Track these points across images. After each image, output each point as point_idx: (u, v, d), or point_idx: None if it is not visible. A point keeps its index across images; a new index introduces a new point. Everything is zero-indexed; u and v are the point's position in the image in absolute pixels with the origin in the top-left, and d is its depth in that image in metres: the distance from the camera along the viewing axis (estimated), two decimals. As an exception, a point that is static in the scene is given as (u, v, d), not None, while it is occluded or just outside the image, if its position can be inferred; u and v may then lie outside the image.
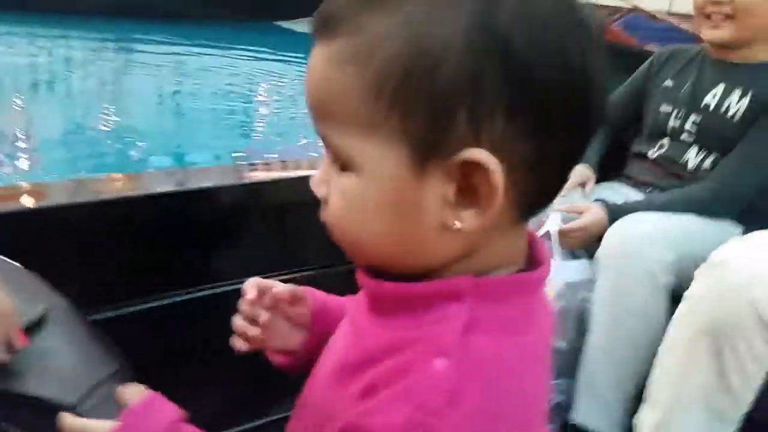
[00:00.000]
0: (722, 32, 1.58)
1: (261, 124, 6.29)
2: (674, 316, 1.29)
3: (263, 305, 0.69)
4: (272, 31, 9.73)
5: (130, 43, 8.37)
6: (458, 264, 0.48)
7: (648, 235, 1.40)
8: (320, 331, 0.68)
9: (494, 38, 0.41)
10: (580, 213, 1.53)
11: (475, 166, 0.43)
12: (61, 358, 0.85)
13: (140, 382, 0.63)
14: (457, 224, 0.45)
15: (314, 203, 0.51)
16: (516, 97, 0.42)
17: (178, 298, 1.34)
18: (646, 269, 1.38)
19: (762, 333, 1.16)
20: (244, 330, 0.69)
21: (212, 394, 1.40)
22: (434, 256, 0.48)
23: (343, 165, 0.46)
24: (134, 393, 0.61)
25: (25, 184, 1.31)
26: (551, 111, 0.43)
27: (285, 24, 9.69)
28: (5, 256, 0.98)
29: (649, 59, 1.82)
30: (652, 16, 6.82)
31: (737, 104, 1.57)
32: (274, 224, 1.47)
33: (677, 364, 1.26)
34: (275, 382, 1.44)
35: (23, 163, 4.53)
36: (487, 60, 0.41)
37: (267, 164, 1.89)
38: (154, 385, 0.62)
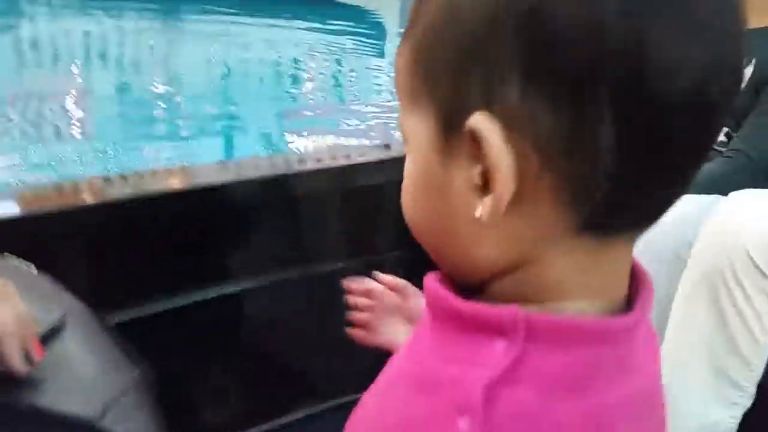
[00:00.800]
0: None
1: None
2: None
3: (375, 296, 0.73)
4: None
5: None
6: (509, 280, 0.41)
7: (670, 218, 1.38)
8: None
9: (529, 6, 0.35)
10: None
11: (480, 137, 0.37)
12: (80, 368, 0.85)
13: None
14: (477, 213, 0.38)
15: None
16: (536, 66, 0.35)
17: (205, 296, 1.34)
18: (672, 250, 1.36)
19: (754, 277, 1.19)
20: (360, 319, 0.73)
21: (237, 392, 1.40)
22: (473, 257, 0.41)
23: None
24: None
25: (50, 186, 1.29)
26: (584, 81, 0.35)
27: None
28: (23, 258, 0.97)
29: None
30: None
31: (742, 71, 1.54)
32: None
33: (679, 316, 1.27)
34: (298, 379, 1.45)
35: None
36: (514, 26, 0.35)
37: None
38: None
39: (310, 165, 1.42)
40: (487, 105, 0.36)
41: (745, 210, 1.26)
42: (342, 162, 1.48)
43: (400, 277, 0.78)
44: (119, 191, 1.22)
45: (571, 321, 0.39)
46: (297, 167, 1.41)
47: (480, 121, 0.36)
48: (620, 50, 0.34)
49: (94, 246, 1.20)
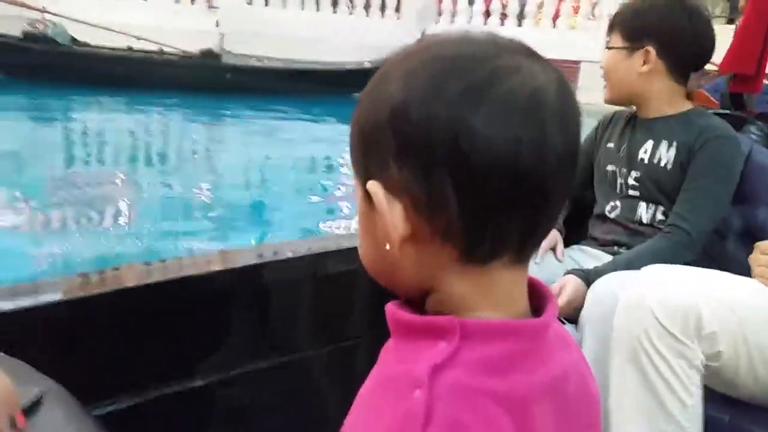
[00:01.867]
0: (604, 95, 1.81)
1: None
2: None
3: None
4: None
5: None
6: (434, 298, 0.57)
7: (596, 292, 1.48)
8: None
9: (392, 109, 0.54)
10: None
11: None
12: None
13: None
14: (387, 247, 0.55)
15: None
16: (401, 150, 0.53)
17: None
18: (602, 321, 1.42)
19: (668, 342, 1.25)
20: None
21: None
22: (400, 280, 0.58)
23: None
24: None
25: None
26: (428, 161, 0.52)
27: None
28: None
29: (595, 125, 1.95)
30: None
31: (667, 154, 1.71)
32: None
33: (614, 397, 1.32)
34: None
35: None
36: (386, 123, 0.54)
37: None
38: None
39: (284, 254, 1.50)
40: (380, 176, 0.55)
41: (653, 282, 1.34)
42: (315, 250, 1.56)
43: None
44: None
45: (493, 322, 0.54)
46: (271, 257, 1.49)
47: (371, 186, 0.55)
48: (447, 137, 0.51)
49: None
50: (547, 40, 10.58)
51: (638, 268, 1.44)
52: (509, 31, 10.10)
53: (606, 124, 1.92)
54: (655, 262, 1.52)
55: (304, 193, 6.20)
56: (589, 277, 1.56)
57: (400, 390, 0.51)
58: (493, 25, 11.56)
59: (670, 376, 1.26)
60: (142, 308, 1.30)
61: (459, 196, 0.52)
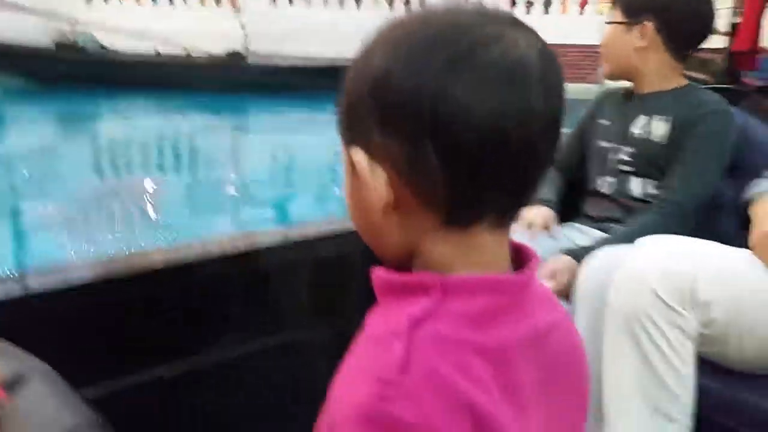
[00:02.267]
0: (603, 70, 1.82)
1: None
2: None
3: None
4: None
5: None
6: (419, 260, 0.58)
7: (592, 267, 1.48)
8: None
9: (375, 78, 0.56)
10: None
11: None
12: (41, 410, 0.91)
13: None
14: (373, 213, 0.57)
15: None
16: (384, 119, 0.55)
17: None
18: (596, 296, 1.43)
19: (665, 314, 1.27)
20: None
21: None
22: (387, 243, 0.60)
23: None
24: None
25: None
26: (411, 130, 0.54)
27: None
28: None
29: (591, 102, 1.95)
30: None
31: (660, 129, 1.71)
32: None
33: (608, 368, 1.34)
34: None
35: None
36: (370, 92, 0.56)
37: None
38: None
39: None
40: (364, 144, 0.57)
41: (649, 253, 1.35)
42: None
43: None
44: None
45: (475, 277, 0.56)
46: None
47: (354, 152, 0.57)
48: (429, 106, 0.52)
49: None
50: (574, 26, 10.50)
51: (632, 242, 1.44)
52: (535, 20, 10.00)
53: (600, 102, 1.92)
54: (647, 234, 1.51)
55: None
56: (581, 256, 1.57)
57: (380, 343, 0.53)
58: (519, 15, 11.42)
59: (664, 346, 1.28)
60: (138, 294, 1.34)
61: (442, 163, 0.53)
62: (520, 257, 0.61)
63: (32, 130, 8.20)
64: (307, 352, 1.58)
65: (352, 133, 0.58)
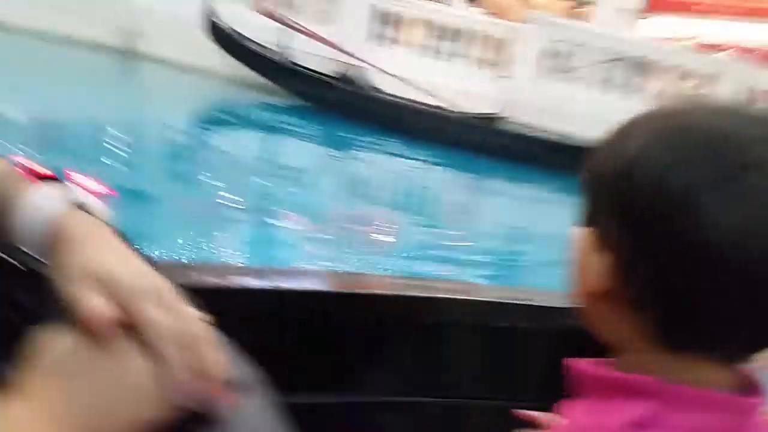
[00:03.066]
0: None
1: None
2: None
3: None
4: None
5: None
6: (624, 358, 0.56)
7: None
8: None
9: (624, 165, 0.53)
10: None
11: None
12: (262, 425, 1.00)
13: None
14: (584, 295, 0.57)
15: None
16: (617, 208, 0.54)
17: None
18: None
19: None
20: None
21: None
22: (598, 329, 0.58)
23: None
24: None
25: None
26: (644, 226, 0.51)
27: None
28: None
29: None
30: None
31: None
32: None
33: None
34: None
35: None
36: (615, 177, 0.54)
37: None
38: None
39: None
40: (597, 225, 0.55)
41: None
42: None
43: None
44: None
45: (697, 392, 0.51)
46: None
47: (582, 231, 0.57)
48: (672, 210, 0.49)
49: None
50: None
51: None
52: None
53: None
54: None
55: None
56: None
57: None
58: None
59: None
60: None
61: (663, 270, 0.50)
62: (745, 385, 0.54)
63: (303, 146, 9.65)
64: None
65: (589, 211, 0.57)
